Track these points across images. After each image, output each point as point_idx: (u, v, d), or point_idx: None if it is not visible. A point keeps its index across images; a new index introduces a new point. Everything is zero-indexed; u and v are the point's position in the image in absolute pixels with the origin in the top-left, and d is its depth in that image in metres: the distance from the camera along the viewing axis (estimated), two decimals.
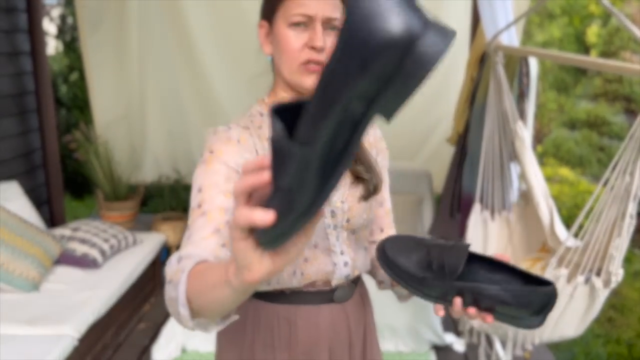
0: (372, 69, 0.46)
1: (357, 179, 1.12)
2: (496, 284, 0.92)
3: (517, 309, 0.89)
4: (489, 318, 0.92)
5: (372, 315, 1.27)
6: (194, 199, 0.98)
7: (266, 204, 0.56)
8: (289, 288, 1.10)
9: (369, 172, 1.12)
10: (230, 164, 1.00)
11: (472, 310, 0.92)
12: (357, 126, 0.51)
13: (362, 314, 1.22)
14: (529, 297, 0.88)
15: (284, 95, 1.08)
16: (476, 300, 0.90)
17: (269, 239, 0.59)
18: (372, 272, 1.24)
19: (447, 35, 0.48)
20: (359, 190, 1.12)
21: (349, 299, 1.16)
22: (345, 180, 1.12)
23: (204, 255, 0.88)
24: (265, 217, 0.55)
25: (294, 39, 0.99)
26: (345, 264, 1.12)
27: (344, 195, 1.11)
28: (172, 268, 0.86)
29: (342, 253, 1.12)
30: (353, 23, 0.45)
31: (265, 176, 0.56)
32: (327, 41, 0.99)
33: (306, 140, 0.51)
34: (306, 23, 0.99)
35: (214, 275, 0.75)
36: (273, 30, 1.03)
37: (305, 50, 0.99)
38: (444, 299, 0.94)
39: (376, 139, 1.22)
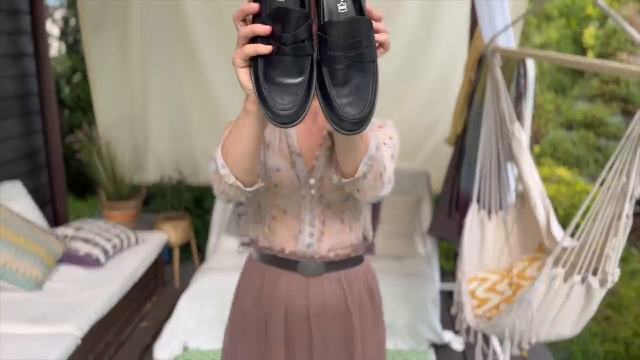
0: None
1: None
2: None
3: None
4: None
5: (367, 322, 1.35)
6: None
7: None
8: (267, 248, 1.32)
9: None
10: None
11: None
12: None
13: (338, 303, 1.30)
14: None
15: None
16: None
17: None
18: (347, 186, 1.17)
19: None
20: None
21: (314, 276, 1.29)
22: (321, 161, 1.25)
23: None
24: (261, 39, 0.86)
25: None
26: (311, 234, 1.27)
27: (321, 172, 1.25)
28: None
29: (310, 224, 1.27)
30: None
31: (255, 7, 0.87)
32: None
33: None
34: None
35: (236, 123, 1.03)
36: None
37: None
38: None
39: (373, 126, 1.30)
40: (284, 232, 1.28)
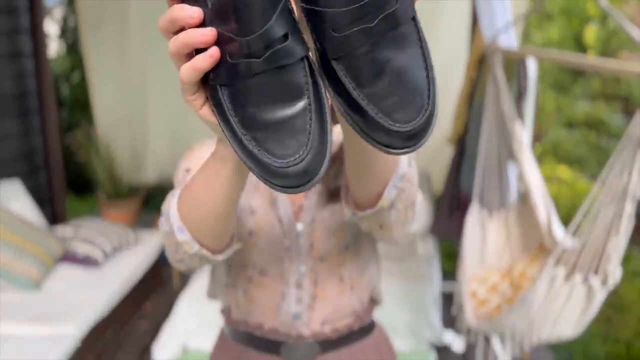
0: None
1: (331, 195, 0.92)
2: None
3: None
4: None
5: None
6: (183, 175, 0.94)
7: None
8: (240, 322, 0.98)
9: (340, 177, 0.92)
10: (204, 155, 0.92)
11: None
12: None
13: None
14: None
15: None
16: None
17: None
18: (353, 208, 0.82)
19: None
20: (329, 208, 0.91)
21: None
22: (312, 198, 0.92)
23: None
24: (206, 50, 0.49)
25: None
26: (298, 300, 0.92)
27: (311, 215, 0.91)
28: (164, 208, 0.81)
29: (297, 286, 0.92)
30: None
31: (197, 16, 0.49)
32: None
33: None
34: None
35: (202, 171, 0.70)
36: None
37: None
38: None
39: None
40: (264, 299, 0.93)
